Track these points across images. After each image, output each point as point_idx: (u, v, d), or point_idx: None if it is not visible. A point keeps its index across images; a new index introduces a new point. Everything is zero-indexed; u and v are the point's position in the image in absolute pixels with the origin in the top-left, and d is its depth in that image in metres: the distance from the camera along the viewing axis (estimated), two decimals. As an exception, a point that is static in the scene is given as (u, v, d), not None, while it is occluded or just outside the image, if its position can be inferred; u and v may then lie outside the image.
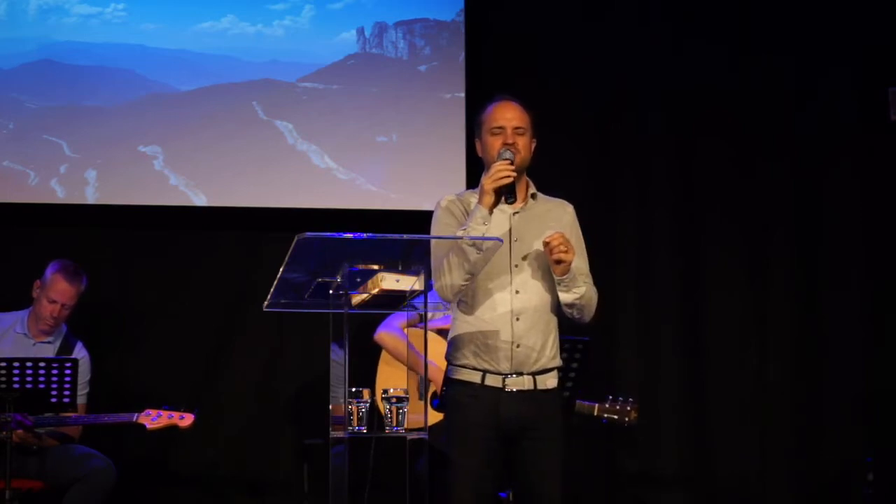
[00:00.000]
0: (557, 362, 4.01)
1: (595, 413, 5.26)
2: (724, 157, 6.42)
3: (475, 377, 3.92)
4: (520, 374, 3.92)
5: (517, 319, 3.91)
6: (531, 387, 3.93)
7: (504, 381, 3.91)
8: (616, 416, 5.26)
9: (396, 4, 6.27)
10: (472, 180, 6.05)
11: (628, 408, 5.26)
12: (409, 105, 6.24)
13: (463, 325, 3.95)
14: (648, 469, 6.30)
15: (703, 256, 6.39)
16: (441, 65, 6.28)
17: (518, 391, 3.91)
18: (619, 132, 6.41)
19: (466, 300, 3.93)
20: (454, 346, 3.97)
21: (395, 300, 3.87)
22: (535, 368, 3.93)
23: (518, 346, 3.90)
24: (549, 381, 3.97)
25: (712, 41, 6.42)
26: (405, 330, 5.25)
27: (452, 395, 3.96)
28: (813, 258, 6.41)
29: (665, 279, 6.36)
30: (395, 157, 6.21)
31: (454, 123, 6.18)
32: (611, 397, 5.30)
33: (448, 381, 4.00)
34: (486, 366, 3.91)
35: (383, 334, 5.29)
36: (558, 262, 3.83)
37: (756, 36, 6.44)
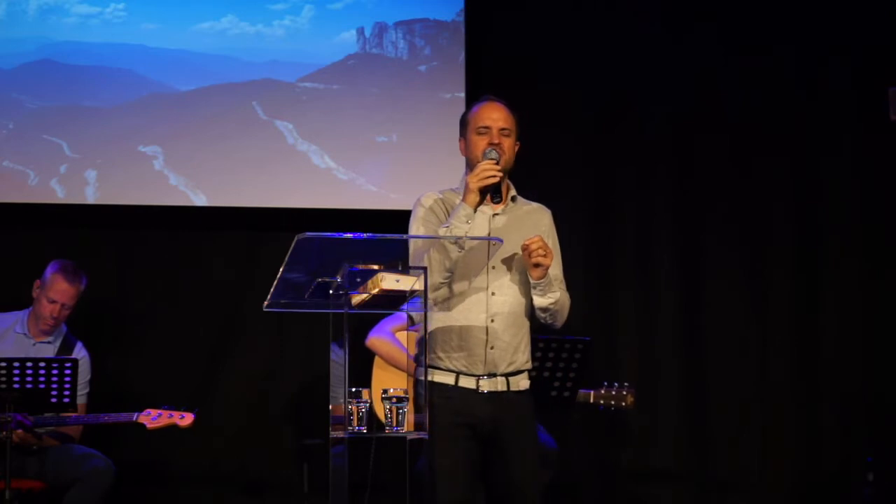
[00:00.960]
0: (529, 364, 4.02)
1: (591, 400, 5.28)
2: (724, 157, 6.42)
3: (449, 378, 3.92)
4: (493, 375, 3.92)
5: (492, 321, 3.91)
6: (504, 388, 3.93)
7: (478, 382, 3.91)
8: (613, 402, 5.27)
9: (396, 4, 6.27)
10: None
11: (624, 392, 5.27)
12: (409, 105, 6.24)
13: (438, 324, 3.94)
14: (648, 469, 6.30)
15: (703, 255, 6.39)
16: (441, 65, 6.28)
17: (491, 392, 3.92)
18: (619, 132, 6.41)
19: (443, 299, 3.91)
20: (427, 345, 3.96)
21: (395, 300, 3.86)
22: (508, 370, 3.94)
23: (492, 347, 3.90)
24: (522, 383, 3.98)
25: (712, 41, 6.42)
26: (397, 334, 5.23)
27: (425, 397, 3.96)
28: (813, 258, 6.41)
29: (665, 278, 6.36)
30: (395, 157, 6.21)
31: (454, 123, 6.12)
32: (606, 383, 5.31)
33: (418, 381, 4.00)
34: (460, 366, 3.92)
35: (375, 340, 5.26)
36: (536, 265, 3.83)
37: (756, 35, 6.44)
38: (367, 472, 3.76)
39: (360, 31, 6.24)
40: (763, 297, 6.39)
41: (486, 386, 3.91)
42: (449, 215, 3.90)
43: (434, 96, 6.26)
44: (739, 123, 6.43)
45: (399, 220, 5.95)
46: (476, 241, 3.85)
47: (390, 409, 3.73)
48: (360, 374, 5.11)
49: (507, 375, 3.93)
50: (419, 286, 3.74)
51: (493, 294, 3.92)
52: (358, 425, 3.67)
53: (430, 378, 3.94)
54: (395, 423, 3.71)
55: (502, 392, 3.92)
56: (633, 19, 6.42)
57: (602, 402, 5.28)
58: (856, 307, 6.37)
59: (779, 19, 6.45)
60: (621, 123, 6.42)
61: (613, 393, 5.28)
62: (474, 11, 6.30)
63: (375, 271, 3.70)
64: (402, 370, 5.12)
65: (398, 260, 3.74)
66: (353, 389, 3.70)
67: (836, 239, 6.41)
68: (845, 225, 6.41)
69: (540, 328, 4.10)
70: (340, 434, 3.67)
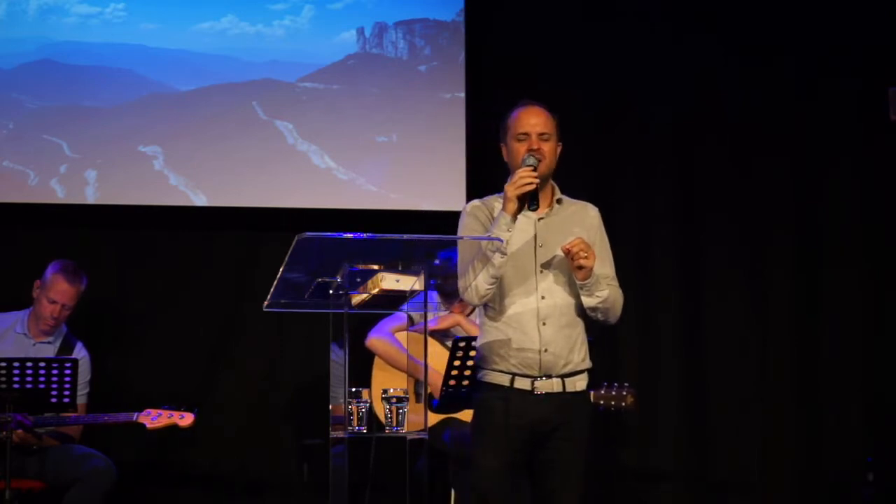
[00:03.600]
0: (587, 364, 3.99)
1: (591, 400, 5.25)
2: (725, 157, 6.43)
3: (504, 380, 3.92)
4: (549, 376, 3.91)
5: (544, 324, 3.90)
6: (560, 389, 3.92)
7: (533, 383, 3.90)
8: (612, 402, 5.24)
9: (396, 4, 6.26)
10: (472, 180, 6.07)
11: (624, 392, 5.24)
12: (409, 105, 6.24)
13: (491, 331, 3.95)
14: (648, 469, 6.30)
15: (703, 256, 6.40)
16: (441, 65, 6.28)
17: (547, 394, 3.91)
18: (620, 132, 6.41)
19: (494, 306, 3.93)
20: (483, 352, 3.97)
21: (394, 300, 3.87)
22: (563, 371, 3.93)
23: (546, 350, 3.90)
24: (579, 384, 3.97)
25: (712, 41, 6.43)
26: (396, 335, 5.23)
27: (482, 398, 3.96)
28: (813, 258, 6.41)
29: (665, 279, 6.37)
30: (395, 157, 6.21)
31: (454, 123, 6.18)
32: (606, 384, 5.28)
33: (477, 384, 4.00)
34: (515, 370, 3.91)
35: (374, 340, 5.26)
36: (580, 267, 3.84)
37: (756, 36, 6.44)
38: (367, 472, 3.77)
39: (360, 31, 6.24)
40: (763, 297, 6.39)
41: (541, 387, 3.91)
42: (492, 220, 3.90)
43: (434, 96, 6.26)
44: (739, 123, 6.43)
45: (399, 220, 6.03)
46: (521, 247, 3.88)
47: (390, 410, 3.73)
48: (360, 374, 5.12)
49: (562, 377, 3.93)
50: (419, 286, 3.75)
51: (542, 298, 3.92)
52: (358, 425, 3.68)
53: (485, 379, 3.95)
54: (395, 423, 3.72)
55: (558, 393, 3.92)
56: (634, 19, 6.42)
57: (602, 402, 5.24)
58: (856, 307, 6.37)
59: (779, 19, 6.45)
60: (621, 123, 6.42)
61: (613, 393, 5.25)
62: (474, 11, 6.30)
63: (375, 271, 3.71)
64: (402, 371, 5.12)
65: (398, 260, 3.74)
66: (353, 389, 3.70)
67: (836, 239, 6.41)
68: (845, 225, 6.41)
69: (591, 326, 4.08)
70: (340, 434, 3.68)
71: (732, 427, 6.31)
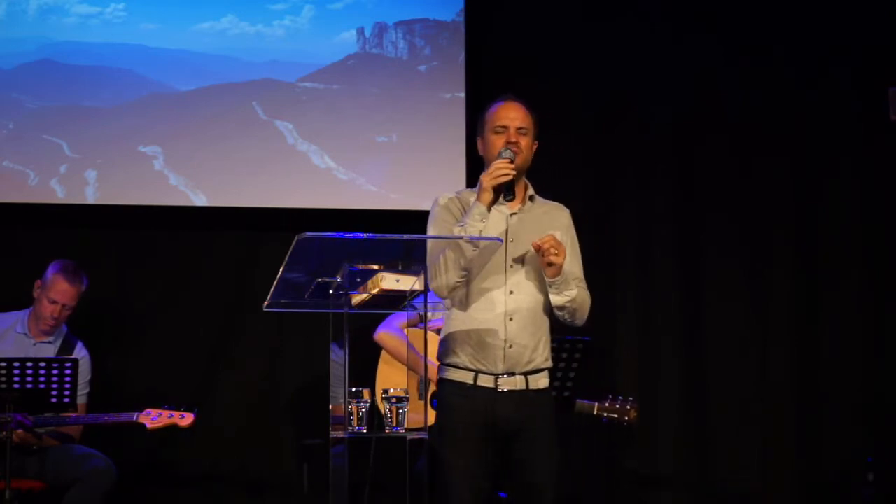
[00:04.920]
0: (549, 364, 4.02)
1: (595, 412, 5.28)
2: (725, 157, 6.42)
3: (467, 377, 3.93)
4: (512, 374, 3.92)
5: (510, 320, 3.92)
6: (523, 387, 3.94)
7: (496, 381, 3.92)
8: (616, 416, 5.27)
9: (396, 4, 6.27)
10: (473, 180, 6.06)
11: (628, 406, 5.28)
12: (409, 105, 6.24)
13: (456, 323, 3.96)
14: (648, 469, 6.30)
15: (703, 256, 6.39)
16: (441, 65, 6.28)
17: (510, 391, 3.92)
18: (620, 132, 6.41)
19: (461, 299, 3.94)
20: (446, 345, 3.98)
21: (395, 300, 3.87)
22: (527, 369, 3.94)
23: (511, 346, 3.91)
24: (542, 381, 3.99)
25: (712, 41, 6.43)
26: (405, 330, 5.25)
27: (444, 395, 3.97)
28: (813, 258, 6.41)
29: (665, 279, 6.36)
30: (395, 157, 6.21)
31: (454, 123, 6.18)
32: (611, 396, 5.31)
33: (439, 381, 4.01)
34: (479, 366, 3.92)
35: (383, 334, 5.30)
36: (549, 264, 3.84)
37: (756, 36, 6.44)
38: (367, 472, 3.77)
39: (360, 31, 6.24)
40: (763, 297, 6.39)
41: (504, 384, 3.92)
42: (464, 213, 3.90)
43: (434, 96, 6.26)
44: (739, 123, 6.43)
45: (399, 220, 6.03)
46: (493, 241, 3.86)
47: (390, 409, 3.73)
48: (361, 373, 5.12)
49: (525, 374, 3.94)
50: (419, 286, 3.75)
51: (510, 293, 3.93)
52: (358, 425, 3.68)
53: (447, 376, 3.96)
54: (395, 423, 3.72)
55: (521, 391, 3.93)
56: (634, 19, 6.42)
57: (605, 414, 5.28)
58: (856, 307, 6.37)
59: (779, 19, 6.45)
60: (621, 123, 6.42)
61: (617, 406, 5.28)
62: (474, 11, 6.30)
63: (375, 271, 3.71)
64: (409, 366, 5.14)
65: (398, 260, 3.74)
66: (353, 389, 3.70)
67: (836, 239, 6.40)
68: (845, 225, 6.41)
69: (560, 327, 4.09)
70: (340, 434, 3.68)
71: (732, 427, 6.31)
